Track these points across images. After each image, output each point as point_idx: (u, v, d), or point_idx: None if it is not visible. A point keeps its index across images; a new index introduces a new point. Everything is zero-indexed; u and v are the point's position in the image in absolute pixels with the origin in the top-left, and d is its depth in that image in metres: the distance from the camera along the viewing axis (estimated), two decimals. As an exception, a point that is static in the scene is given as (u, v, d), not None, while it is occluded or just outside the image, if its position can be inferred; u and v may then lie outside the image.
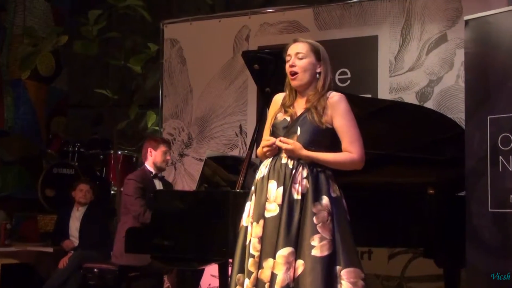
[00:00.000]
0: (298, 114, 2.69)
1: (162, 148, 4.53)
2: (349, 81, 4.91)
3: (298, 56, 2.68)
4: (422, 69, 4.71)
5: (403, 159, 3.59)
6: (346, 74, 4.93)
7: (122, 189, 4.63)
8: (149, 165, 4.54)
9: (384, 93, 4.76)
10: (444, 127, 3.54)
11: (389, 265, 4.71)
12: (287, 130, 2.67)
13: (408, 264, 4.66)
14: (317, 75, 2.69)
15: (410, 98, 4.69)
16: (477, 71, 3.11)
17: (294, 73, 2.68)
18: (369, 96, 4.72)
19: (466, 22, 3.16)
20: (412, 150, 3.58)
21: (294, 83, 2.69)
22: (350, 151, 2.64)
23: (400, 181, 3.70)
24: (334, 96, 2.67)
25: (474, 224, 3.03)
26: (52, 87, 7.25)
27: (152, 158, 4.52)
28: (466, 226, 3.05)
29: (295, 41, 2.74)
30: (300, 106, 2.71)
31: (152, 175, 4.51)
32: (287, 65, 2.70)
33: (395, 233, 3.43)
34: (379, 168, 3.62)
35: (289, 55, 2.71)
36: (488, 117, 3.02)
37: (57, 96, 7.33)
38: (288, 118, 2.69)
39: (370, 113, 3.50)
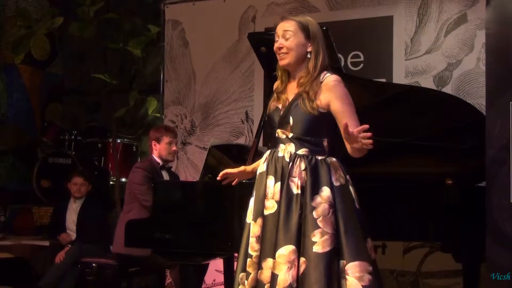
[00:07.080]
0: (290, 100, 2.67)
1: (165, 140, 4.47)
2: (362, 65, 4.91)
3: (285, 36, 2.66)
4: (440, 52, 4.69)
5: (419, 148, 3.58)
6: (359, 57, 4.92)
7: (129, 177, 4.59)
8: (155, 156, 4.52)
9: (399, 78, 4.75)
10: (463, 113, 3.52)
11: (404, 259, 4.73)
12: (280, 120, 2.67)
13: (424, 259, 4.67)
14: (308, 55, 2.67)
15: (427, 82, 4.69)
16: (499, 53, 3.09)
17: (282, 54, 2.67)
18: (384, 80, 4.71)
19: (488, 1, 3.13)
20: (429, 138, 3.57)
21: (282, 63, 2.69)
22: None
23: (416, 171, 3.69)
24: (330, 81, 2.63)
25: (494, 217, 3.02)
26: (47, 72, 7.26)
27: (157, 152, 4.49)
28: (486, 219, 3.04)
29: (282, 19, 2.73)
30: (292, 90, 2.70)
31: (159, 166, 4.50)
32: (275, 46, 2.70)
33: (411, 226, 3.43)
34: (394, 157, 3.62)
35: (276, 35, 2.70)
36: (511, 102, 3.01)
37: (52, 82, 7.34)
38: (280, 106, 2.69)
39: (384, 98, 3.50)
